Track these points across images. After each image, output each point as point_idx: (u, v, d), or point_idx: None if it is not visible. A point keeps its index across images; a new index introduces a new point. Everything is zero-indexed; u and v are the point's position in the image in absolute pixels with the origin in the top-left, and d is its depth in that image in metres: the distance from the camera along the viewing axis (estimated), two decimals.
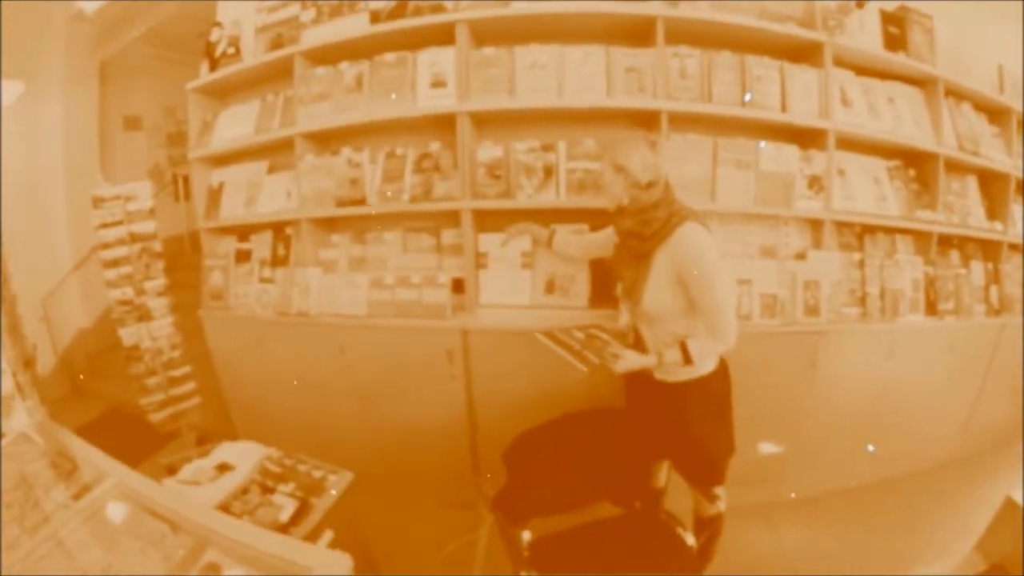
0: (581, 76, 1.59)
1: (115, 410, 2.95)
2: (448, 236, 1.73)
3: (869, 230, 1.95)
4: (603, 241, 1.45)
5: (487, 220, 1.72)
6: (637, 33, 1.66)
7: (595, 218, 1.62)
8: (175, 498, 1.19)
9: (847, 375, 1.84)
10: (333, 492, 1.40)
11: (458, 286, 1.66)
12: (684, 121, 1.61)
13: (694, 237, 1.19)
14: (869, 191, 1.87)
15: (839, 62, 1.85)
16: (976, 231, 2.12)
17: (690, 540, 1.43)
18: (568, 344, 1.31)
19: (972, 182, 2.18)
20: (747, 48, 1.73)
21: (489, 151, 1.62)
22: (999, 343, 2.17)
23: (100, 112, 3.55)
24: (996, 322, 2.14)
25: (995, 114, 2.22)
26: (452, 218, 1.67)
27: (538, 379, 1.59)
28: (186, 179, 3.75)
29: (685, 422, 1.31)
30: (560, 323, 1.43)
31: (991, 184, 2.22)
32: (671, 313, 1.24)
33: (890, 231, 1.98)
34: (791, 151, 1.70)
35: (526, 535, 1.43)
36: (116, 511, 1.17)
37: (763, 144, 1.67)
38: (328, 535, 1.38)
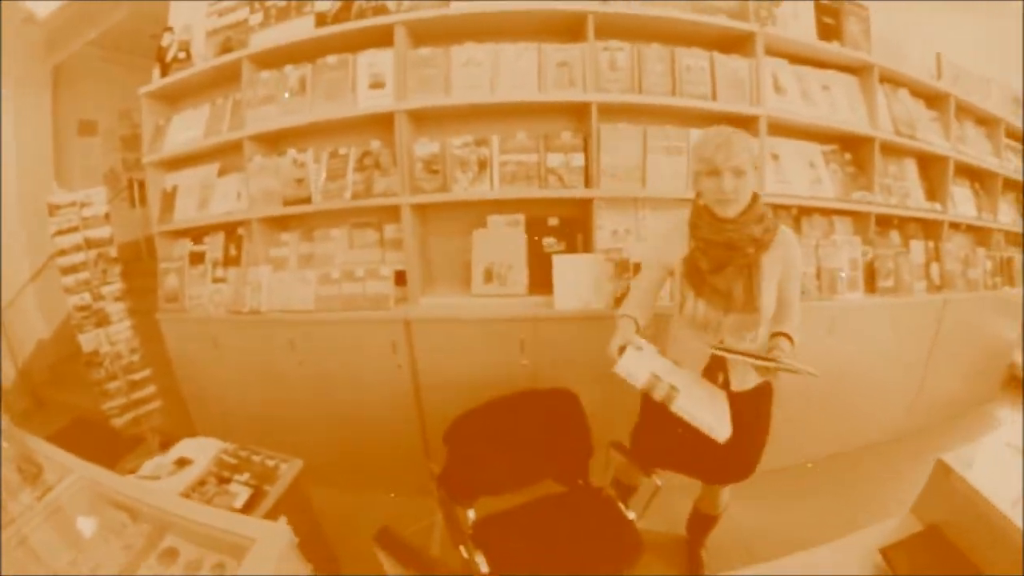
0: (514, 72, 1.75)
1: (79, 420, 3.08)
2: (390, 231, 1.88)
3: (806, 212, 2.13)
4: (659, 280, 1.42)
5: (428, 213, 1.88)
6: (570, 29, 1.83)
7: (527, 208, 1.79)
8: (135, 487, 1.33)
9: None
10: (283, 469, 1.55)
11: (400, 278, 1.82)
12: (615, 112, 1.78)
13: (794, 238, 1.32)
14: (804, 174, 2.04)
15: (774, 51, 2.03)
16: (916, 212, 2.30)
17: (631, 515, 1.59)
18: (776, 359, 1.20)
19: (911, 165, 2.37)
20: (682, 40, 1.90)
21: (426, 147, 1.78)
22: (942, 319, 2.36)
23: (54, 117, 3.67)
24: (938, 298, 2.32)
25: (933, 100, 2.41)
26: (394, 213, 1.83)
27: (481, 365, 1.75)
28: (141, 184, 3.86)
29: (764, 426, 1.43)
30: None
31: (930, 167, 2.41)
32: (771, 314, 1.32)
33: (827, 213, 2.16)
34: None
35: (471, 514, 1.59)
36: (78, 506, 1.30)
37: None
38: (282, 520, 1.53)
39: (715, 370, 1.38)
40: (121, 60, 3.89)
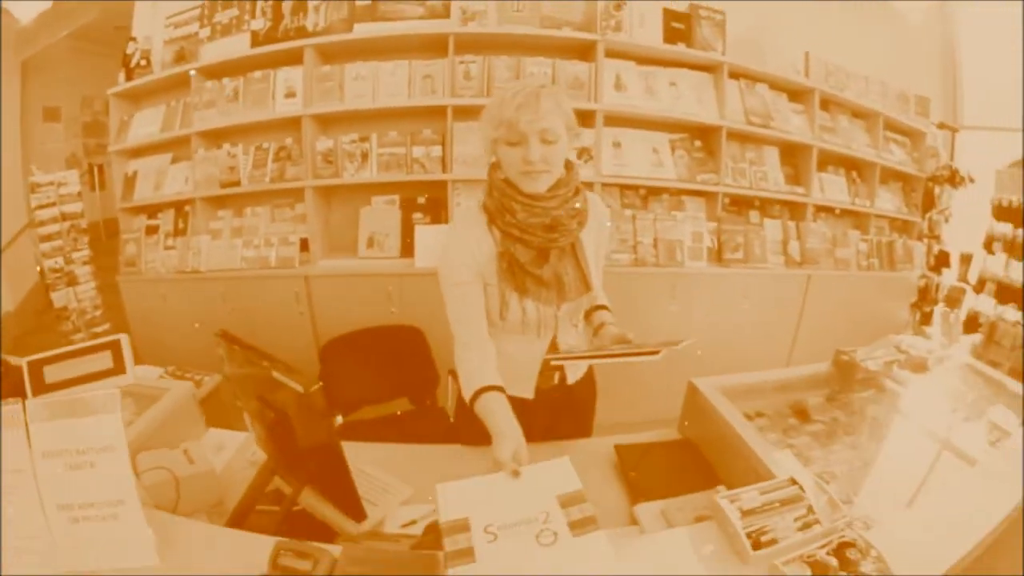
0: (390, 84, 3.22)
1: None
2: (300, 208, 3.36)
3: (654, 192, 3.45)
4: (480, 294, 1.52)
5: (329, 194, 3.37)
6: (438, 47, 3.26)
7: (401, 189, 3.23)
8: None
9: (630, 317, 3.31)
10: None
11: (304, 244, 3.28)
12: (467, 112, 3.20)
13: (598, 199, 1.63)
14: (645, 159, 3.38)
15: (622, 54, 3.39)
16: (770, 193, 3.58)
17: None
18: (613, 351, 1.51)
19: (772, 152, 3.65)
20: (531, 51, 3.29)
21: (324, 143, 3.26)
22: (808, 293, 3.60)
23: (22, 104, 5.42)
24: (800, 273, 3.57)
25: (797, 94, 3.70)
26: (302, 193, 3.31)
27: (363, 311, 3.17)
28: (101, 168, 5.54)
29: (594, 405, 1.91)
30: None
31: (796, 155, 3.69)
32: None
33: (675, 193, 3.47)
34: None
35: (339, 420, 2.99)
36: None
37: None
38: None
39: (551, 370, 1.69)
40: (86, 49, 5.63)
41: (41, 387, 1.59)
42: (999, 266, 3.84)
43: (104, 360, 1.65)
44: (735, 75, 3.55)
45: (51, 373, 1.60)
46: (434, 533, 1.41)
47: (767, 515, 1.36)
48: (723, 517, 1.36)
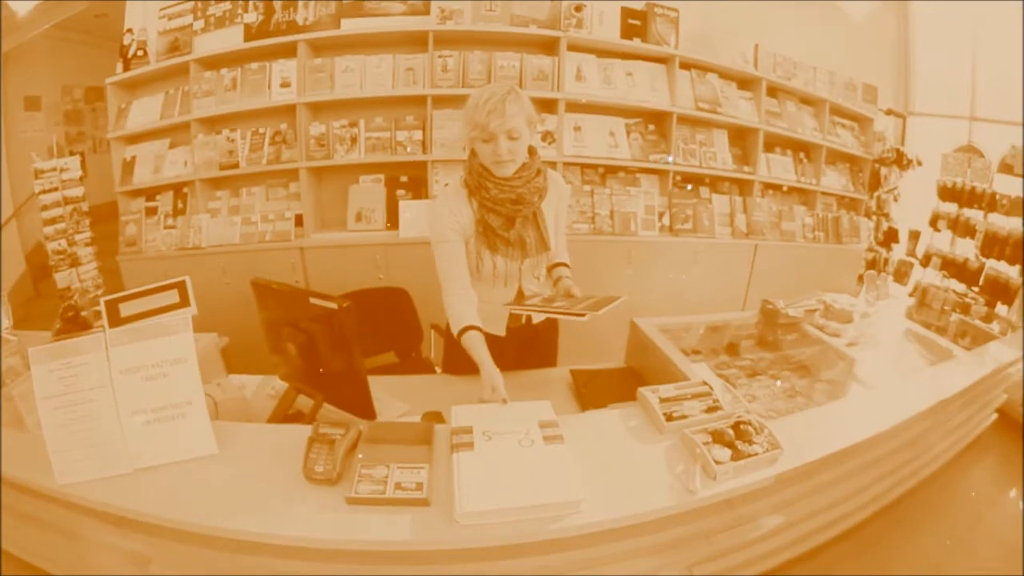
0: (376, 75, 3.79)
1: None
2: (294, 187, 3.91)
3: (612, 171, 4.07)
4: (463, 252, 2.10)
5: (321, 174, 3.92)
6: (418, 42, 3.84)
7: (386, 169, 3.80)
8: None
9: (591, 279, 3.92)
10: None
11: (299, 220, 3.83)
12: (445, 101, 3.78)
13: (556, 175, 2.17)
14: (602, 141, 4.00)
15: (583, 48, 3.99)
16: (721, 171, 4.21)
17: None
18: (554, 308, 1.99)
19: (722, 134, 4.29)
20: (501, 46, 3.88)
21: (317, 128, 3.82)
22: (755, 262, 4.24)
23: (3, 92, 5.85)
24: (747, 243, 4.22)
25: (746, 82, 4.36)
26: (296, 174, 3.86)
27: (353, 277, 3.74)
28: (83, 156, 6.01)
29: (555, 342, 2.57)
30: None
31: (745, 137, 4.33)
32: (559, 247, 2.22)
33: (631, 171, 4.09)
34: None
35: None
36: None
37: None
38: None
39: (517, 314, 2.29)
40: (65, 37, 6.08)
41: (117, 321, 2.07)
42: (944, 242, 4.51)
43: (172, 296, 2.14)
44: (687, 66, 4.18)
45: (126, 309, 2.08)
46: (430, 418, 2.02)
47: (680, 402, 1.98)
48: (645, 401, 1.99)
